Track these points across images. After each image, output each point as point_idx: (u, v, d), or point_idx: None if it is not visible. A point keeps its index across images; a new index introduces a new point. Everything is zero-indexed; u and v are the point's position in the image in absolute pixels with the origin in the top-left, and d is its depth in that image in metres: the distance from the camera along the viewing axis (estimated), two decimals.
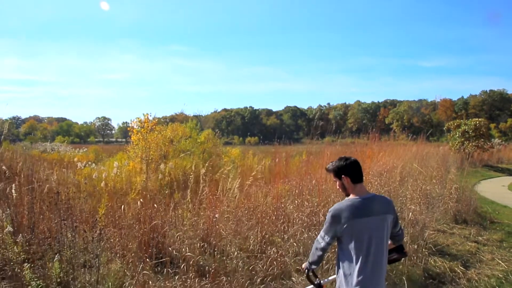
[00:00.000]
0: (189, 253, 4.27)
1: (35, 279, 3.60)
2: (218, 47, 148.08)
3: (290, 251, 4.61)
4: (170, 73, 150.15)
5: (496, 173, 20.08)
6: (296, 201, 5.73)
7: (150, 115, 12.78)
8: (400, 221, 2.74)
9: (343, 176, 2.61)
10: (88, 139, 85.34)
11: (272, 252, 4.50)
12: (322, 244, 2.62)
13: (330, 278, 3.00)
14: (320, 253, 2.67)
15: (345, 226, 2.49)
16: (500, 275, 5.06)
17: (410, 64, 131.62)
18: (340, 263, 2.58)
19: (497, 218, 8.10)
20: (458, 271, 5.03)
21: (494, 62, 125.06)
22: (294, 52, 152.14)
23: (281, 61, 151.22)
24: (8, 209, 4.66)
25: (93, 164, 12.97)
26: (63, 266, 3.91)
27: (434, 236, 6.17)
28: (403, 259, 2.88)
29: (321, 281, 2.86)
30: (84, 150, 25.57)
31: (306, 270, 2.81)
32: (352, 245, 2.49)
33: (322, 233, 2.63)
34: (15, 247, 3.95)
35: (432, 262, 5.17)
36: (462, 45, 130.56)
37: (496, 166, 22.88)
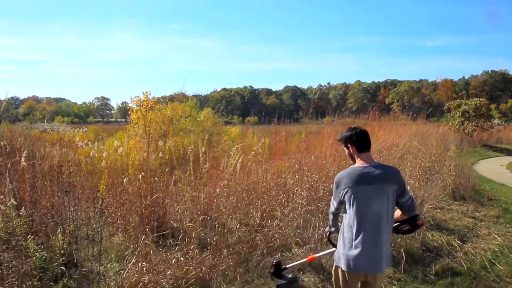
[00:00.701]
0: (190, 224, 4.33)
1: (39, 250, 3.65)
2: (217, 25, 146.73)
3: (290, 225, 4.67)
4: (169, 52, 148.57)
5: (495, 153, 20.15)
6: (296, 176, 5.76)
7: (150, 94, 12.73)
8: (409, 192, 2.76)
9: (349, 145, 2.75)
10: (88, 119, 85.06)
11: (272, 225, 4.56)
12: (332, 208, 2.84)
13: None
14: (331, 216, 2.91)
15: (344, 192, 2.63)
16: (496, 249, 5.14)
17: (411, 44, 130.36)
18: (342, 227, 2.71)
19: (495, 196, 8.18)
20: (455, 245, 5.11)
21: (497, 42, 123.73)
22: (294, 31, 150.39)
23: (281, 40, 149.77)
24: (10, 184, 4.69)
25: (94, 143, 12.99)
26: (66, 238, 3.97)
27: (432, 212, 6.24)
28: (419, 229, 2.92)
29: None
30: (84, 130, 25.57)
31: (328, 234, 3.02)
32: (351, 211, 2.61)
33: (332, 198, 2.83)
34: (18, 220, 4.00)
35: (430, 236, 5.25)
36: (466, 24, 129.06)
37: (495, 146, 22.93)
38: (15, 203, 4.00)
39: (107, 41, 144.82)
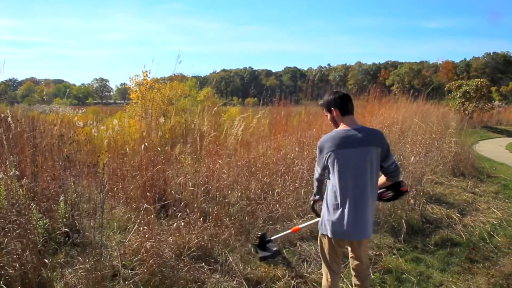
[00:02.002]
0: (192, 196, 4.35)
1: (42, 218, 3.67)
2: (215, 5, 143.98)
3: (291, 195, 4.69)
4: (169, 33, 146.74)
5: (495, 134, 20.16)
6: (296, 149, 5.76)
7: (150, 72, 12.59)
8: (393, 156, 2.69)
9: (332, 108, 2.66)
10: (87, 101, 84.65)
11: (273, 196, 4.58)
12: (316, 174, 2.80)
13: None
14: (316, 183, 2.87)
15: (327, 156, 2.57)
16: (494, 222, 5.20)
17: (413, 25, 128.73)
18: (326, 193, 2.66)
19: (494, 173, 8.21)
20: (455, 217, 5.15)
21: (500, 23, 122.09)
22: (294, 12, 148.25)
23: (281, 21, 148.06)
24: (11, 156, 4.68)
25: (94, 124, 12.92)
26: (68, 207, 3.98)
27: (432, 186, 6.28)
28: (403, 196, 2.83)
29: None
30: (83, 111, 25.42)
31: (312, 202, 3.01)
32: (335, 176, 2.55)
33: (316, 164, 2.77)
34: (20, 190, 4.00)
35: (430, 209, 5.29)
36: (468, 4, 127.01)
37: (495, 127, 22.92)
38: (17, 173, 3.99)
39: (105, 22, 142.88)
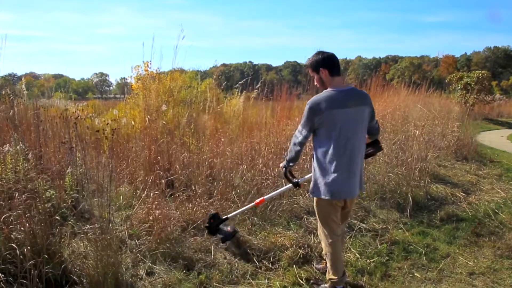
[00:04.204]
0: (197, 171, 4.34)
1: (49, 190, 3.66)
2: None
3: (297, 168, 4.67)
4: (169, 27, 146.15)
5: (496, 126, 20.15)
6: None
7: (151, 63, 12.53)
8: (375, 116, 2.78)
9: (321, 69, 2.62)
10: (86, 96, 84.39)
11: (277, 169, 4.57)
12: (300, 138, 2.67)
13: (307, 176, 3.09)
14: (298, 148, 2.73)
15: (322, 117, 2.53)
16: (499, 201, 5.19)
17: (413, 19, 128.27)
18: (316, 156, 2.64)
19: (497, 159, 8.21)
20: (459, 195, 5.15)
21: (500, 18, 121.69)
22: (294, 6, 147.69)
23: (281, 15, 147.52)
24: (15, 133, 4.68)
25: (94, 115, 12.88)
26: (74, 181, 3.98)
27: (436, 168, 6.27)
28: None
29: (298, 180, 2.97)
30: (84, 104, 25.34)
31: (284, 169, 2.87)
32: (328, 137, 2.56)
33: (299, 127, 2.69)
34: (26, 165, 3.99)
35: (434, 188, 5.29)
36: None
37: (496, 119, 22.92)
38: (23, 146, 3.99)
39: (105, 16, 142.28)
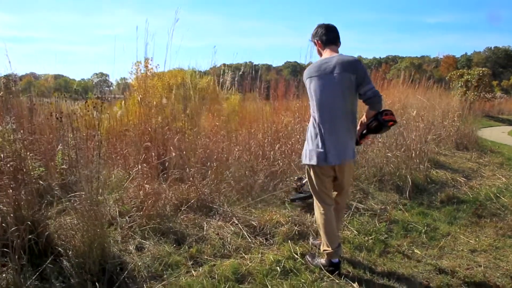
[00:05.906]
0: (191, 152, 4.25)
1: (38, 167, 3.56)
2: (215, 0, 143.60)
3: (293, 150, 4.59)
4: (167, 27, 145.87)
5: (496, 122, 20.14)
6: (296, 114, 5.64)
7: (152, 59, 12.45)
8: (369, 83, 2.54)
9: (315, 40, 2.74)
10: (87, 96, 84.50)
11: (274, 150, 4.48)
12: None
13: None
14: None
15: (306, 84, 2.66)
16: (500, 185, 5.10)
17: (413, 20, 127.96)
18: (309, 124, 2.72)
19: (498, 150, 8.12)
20: (460, 180, 5.06)
21: (501, 18, 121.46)
22: (294, 6, 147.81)
23: (281, 15, 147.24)
24: (8, 117, 4.58)
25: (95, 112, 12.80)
26: (64, 160, 3.87)
27: (436, 156, 6.18)
28: (388, 128, 2.72)
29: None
30: (83, 102, 25.30)
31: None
32: (313, 104, 2.62)
33: None
34: (16, 145, 3.90)
35: (434, 173, 5.19)
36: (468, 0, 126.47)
37: (497, 116, 22.93)
38: (13, 126, 3.89)
39: (105, 17, 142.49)
